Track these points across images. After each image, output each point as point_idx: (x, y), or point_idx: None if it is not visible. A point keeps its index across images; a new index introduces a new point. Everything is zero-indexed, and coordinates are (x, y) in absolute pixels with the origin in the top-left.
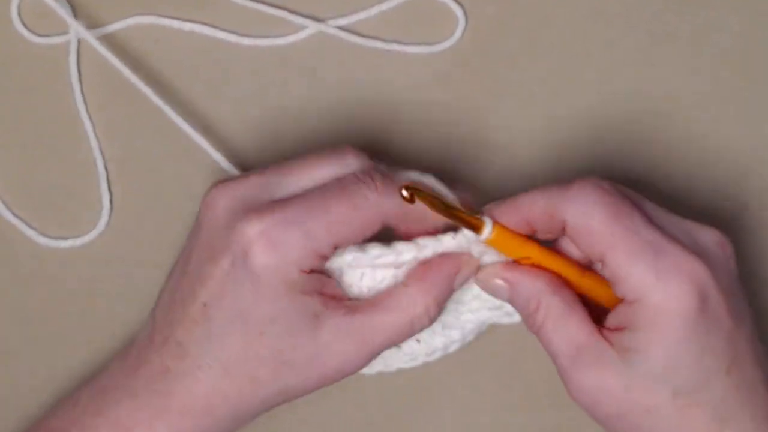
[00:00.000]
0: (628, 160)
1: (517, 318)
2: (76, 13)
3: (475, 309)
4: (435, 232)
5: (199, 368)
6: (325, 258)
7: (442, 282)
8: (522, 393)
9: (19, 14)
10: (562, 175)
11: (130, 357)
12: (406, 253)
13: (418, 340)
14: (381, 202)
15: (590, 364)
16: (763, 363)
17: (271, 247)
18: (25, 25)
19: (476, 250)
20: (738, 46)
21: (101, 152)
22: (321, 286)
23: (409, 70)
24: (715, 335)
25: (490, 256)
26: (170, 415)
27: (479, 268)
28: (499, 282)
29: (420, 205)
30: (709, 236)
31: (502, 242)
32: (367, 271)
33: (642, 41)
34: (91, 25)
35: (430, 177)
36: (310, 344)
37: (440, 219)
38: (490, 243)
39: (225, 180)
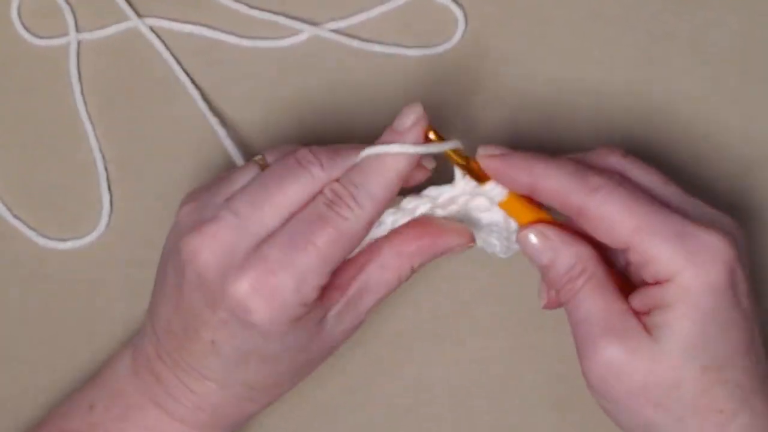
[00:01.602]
0: None
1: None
2: (76, 14)
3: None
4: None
5: (222, 388)
6: (324, 285)
7: (432, 250)
8: (522, 392)
9: (20, 16)
10: None
11: (140, 367)
12: (422, 204)
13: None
14: (360, 216)
15: (620, 337)
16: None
17: (268, 301)
18: (25, 27)
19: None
20: (737, 45)
21: (101, 152)
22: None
23: (409, 72)
24: (739, 313)
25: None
26: (200, 426)
27: (471, 240)
28: (540, 243)
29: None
30: (727, 220)
31: (513, 205)
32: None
33: (641, 41)
34: (91, 26)
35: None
36: (319, 340)
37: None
38: (503, 205)
39: (199, 220)
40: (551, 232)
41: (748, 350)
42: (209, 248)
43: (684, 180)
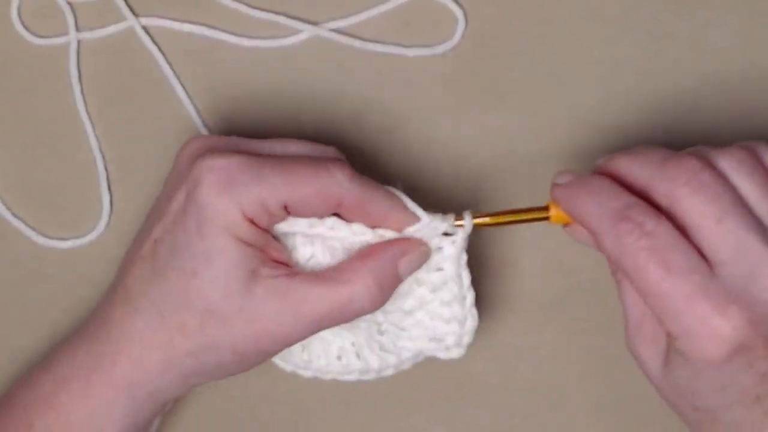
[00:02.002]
0: None
1: (453, 354)
2: (76, 14)
3: (415, 337)
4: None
5: (136, 311)
6: (272, 216)
7: (386, 261)
8: (522, 393)
9: (19, 15)
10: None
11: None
12: (360, 234)
13: (358, 356)
14: (343, 181)
15: (645, 340)
16: None
17: (221, 181)
18: (25, 26)
19: (436, 242)
20: (737, 45)
21: (101, 152)
22: (265, 244)
23: (408, 72)
24: (746, 374)
25: (447, 250)
26: (104, 365)
27: (428, 255)
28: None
29: (378, 200)
30: None
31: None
32: (318, 249)
33: (641, 41)
34: (91, 26)
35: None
36: (242, 297)
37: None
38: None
39: None
40: None
41: (757, 399)
42: (204, 141)
43: None
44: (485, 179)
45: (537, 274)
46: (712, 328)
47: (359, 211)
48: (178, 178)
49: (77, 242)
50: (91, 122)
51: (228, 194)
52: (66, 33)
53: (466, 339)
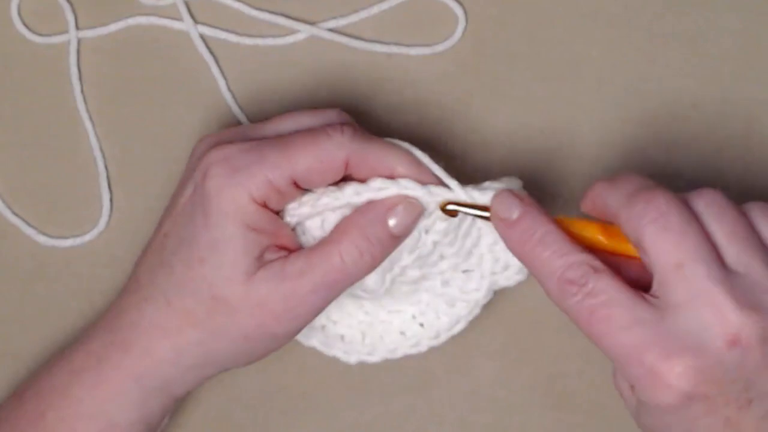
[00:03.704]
0: (628, 159)
1: (521, 277)
2: (76, 12)
3: (485, 273)
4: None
5: (144, 300)
6: (283, 194)
7: (372, 216)
8: (522, 393)
9: (19, 14)
10: (562, 174)
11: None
12: (364, 192)
13: (422, 324)
14: (343, 141)
15: (619, 373)
16: None
17: (227, 169)
18: (25, 25)
19: (433, 203)
20: (738, 46)
21: (101, 152)
22: (273, 228)
23: (408, 71)
24: (710, 418)
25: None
26: (115, 354)
27: (421, 213)
28: None
29: (377, 150)
30: (719, 328)
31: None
32: (328, 216)
33: (642, 41)
34: (91, 24)
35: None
36: (245, 283)
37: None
38: None
39: None
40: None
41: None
42: (213, 137)
43: (683, 180)
44: (485, 178)
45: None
46: (659, 376)
47: (366, 168)
48: (188, 174)
49: (77, 242)
50: (91, 121)
51: (234, 180)
52: (66, 31)
53: None
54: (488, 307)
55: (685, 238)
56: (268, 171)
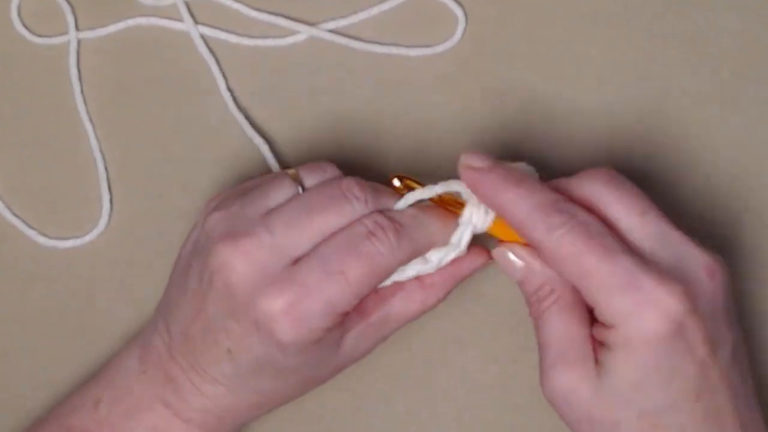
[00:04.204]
0: (628, 159)
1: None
2: (76, 13)
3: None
4: None
5: (233, 393)
6: (344, 314)
7: (458, 278)
8: (521, 391)
9: (19, 14)
10: (562, 174)
11: (149, 365)
12: (434, 257)
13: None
14: (394, 253)
15: (572, 365)
16: (738, 392)
17: (296, 323)
18: (25, 26)
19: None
20: (738, 46)
21: (101, 152)
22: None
23: (408, 72)
24: (687, 363)
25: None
26: (206, 427)
27: (490, 257)
28: (516, 261)
29: (418, 238)
30: (698, 260)
31: (501, 229)
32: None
33: (642, 41)
34: (91, 25)
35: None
36: (334, 359)
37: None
38: (492, 231)
39: (233, 231)
40: (524, 253)
41: (698, 397)
42: (243, 263)
43: (683, 180)
44: None
45: None
46: (656, 301)
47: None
48: (232, 302)
49: (77, 242)
50: (91, 122)
51: (306, 330)
52: (66, 32)
53: None
54: (488, 307)
55: (641, 192)
56: (338, 309)
